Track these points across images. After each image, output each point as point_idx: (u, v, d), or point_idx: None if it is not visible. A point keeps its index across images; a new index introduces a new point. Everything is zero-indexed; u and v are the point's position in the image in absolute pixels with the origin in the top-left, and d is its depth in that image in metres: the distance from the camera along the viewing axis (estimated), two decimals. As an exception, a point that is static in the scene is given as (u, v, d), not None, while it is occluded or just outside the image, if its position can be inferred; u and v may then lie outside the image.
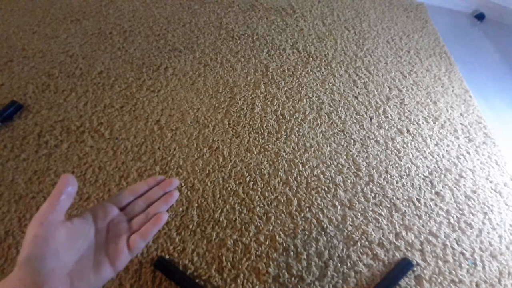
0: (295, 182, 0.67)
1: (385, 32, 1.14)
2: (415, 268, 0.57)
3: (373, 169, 0.72)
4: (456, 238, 0.62)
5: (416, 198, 0.68)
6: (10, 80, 0.81)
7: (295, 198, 0.65)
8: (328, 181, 0.68)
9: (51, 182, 0.63)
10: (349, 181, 0.69)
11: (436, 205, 0.67)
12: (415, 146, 0.78)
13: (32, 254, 0.25)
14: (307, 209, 0.63)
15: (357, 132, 0.79)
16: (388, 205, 0.66)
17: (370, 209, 0.65)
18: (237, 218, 0.61)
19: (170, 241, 0.57)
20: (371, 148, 0.76)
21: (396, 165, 0.73)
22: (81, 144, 0.70)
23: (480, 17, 1.34)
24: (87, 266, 0.29)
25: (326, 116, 0.82)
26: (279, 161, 0.71)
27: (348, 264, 0.57)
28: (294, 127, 0.78)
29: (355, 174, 0.70)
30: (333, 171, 0.70)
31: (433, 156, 0.76)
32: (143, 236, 0.33)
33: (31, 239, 0.26)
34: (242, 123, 0.77)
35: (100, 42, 0.95)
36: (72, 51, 0.91)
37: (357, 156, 0.74)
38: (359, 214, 0.64)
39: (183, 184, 0.65)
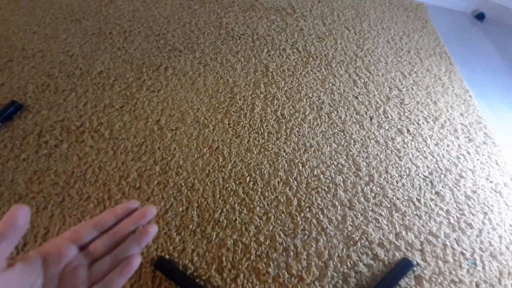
0: (295, 182, 0.67)
1: (385, 32, 1.14)
2: (415, 268, 0.57)
3: (373, 169, 0.72)
4: (456, 238, 0.62)
5: (416, 198, 0.68)
6: (10, 80, 0.81)
7: (295, 198, 0.65)
8: (328, 181, 0.68)
9: (51, 182, 0.63)
10: (349, 181, 0.69)
11: (436, 205, 0.67)
12: (415, 146, 0.78)
13: None
14: (307, 209, 0.63)
15: (357, 132, 0.79)
16: (388, 205, 0.66)
17: (370, 209, 0.65)
18: (237, 218, 0.61)
19: (170, 241, 0.57)
20: (371, 148, 0.76)
21: (396, 165, 0.73)
22: (81, 144, 0.70)
23: (480, 17, 1.34)
24: None
25: (326, 116, 0.82)
26: (279, 161, 0.71)
27: (348, 264, 0.57)
28: (294, 127, 0.78)
29: (355, 174, 0.70)
30: (333, 171, 0.70)
31: (433, 156, 0.76)
32: None
33: None
34: (242, 123, 0.77)
35: (100, 42, 0.95)
36: (72, 51, 0.91)
37: (357, 156, 0.74)
38: (359, 214, 0.64)
39: (183, 184, 0.65)
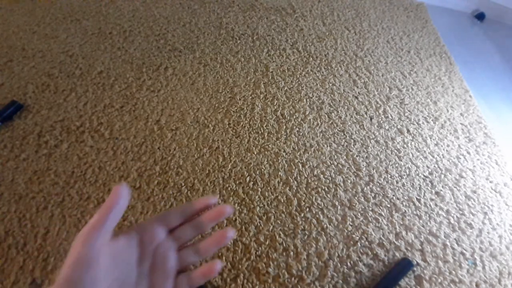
0: (295, 182, 0.67)
1: (385, 32, 1.14)
2: (415, 268, 0.57)
3: (373, 169, 0.72)
4: (456, 238, 0.62)
5: (416, 198, 0.68)
6: (10, 80, 0.81)
7: (295, 198, 0.65)
8: (328, 181, 0.68)
9: (51, 182, 0.63)
10: (349, 181, 0.69)
11: (436, 205, 0.67)
12: (415, 146, 0.78)
13: (70, 278, 0.21)
14: (307, 209, 0.63)
15: (357, 132, 0.79)
16: (388, 205, 0.66)
17: (370, 209, 0.65)
18: (237, 218, 0.61)
19: (170, 241, 0.57)
20: (371, 148, 0.76)
21: (396, 165, 0.73)
22: (81, 144, 0.70)
23: (480, 17, 1.34)
24: None
25: (326, 116, 0.82)
26: (279, 161, 0.71)
27: (348, 264, 0.57)
28: (294, 127, 0.78)
29: (355, 174, 0.70)
30: (333, 171, 0.70)
31: (433, 156, 0.76)
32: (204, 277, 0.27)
33: (72, 261, 0.22)
34: (242, 123, 0.77)
35: (100, 42, 0.95)
36: (72, 51, 0.91)
37: (357, 156, 0.74)
38: (359, 214, 0.64)
39: (183, 184, 0.65)
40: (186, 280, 0.27)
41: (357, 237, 0.60)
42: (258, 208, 0.62)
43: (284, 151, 0.73)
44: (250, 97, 0.84)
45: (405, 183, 0.70)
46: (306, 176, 0.69)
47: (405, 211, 0.65)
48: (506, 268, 0.59)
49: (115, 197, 0.24)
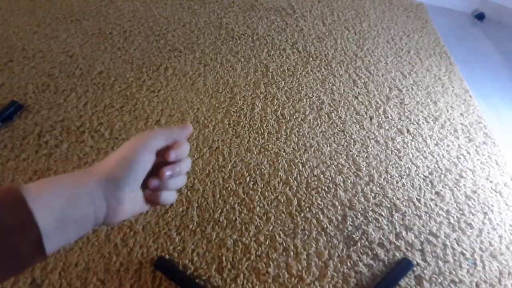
0: (295, 182, 0.67)
1: (385, 32, 1.14)
2: (415, 268, 0.57)
3: (373, 169, 0.72)
4: (456, 238, 0.62)
5: (416, 198, 0.68)
6: (10, 80, 0.81)
7: (295, 198, 0.65)
8: (328, 181, 0.68)
9: (51, 182, 0.63)
10: (349, 181, 0.69)
11: (436, 205, 0.67)
12: (415, 146, 0.78)
13: (120, 172, 0.25)
14: (307, 209, 0.63)
15: (357, 132, 0.79)
16: (388, 205, 0.66)
17: (370, 209, 0.65)
18: (237, 218, 0.61)
19: (170, 241, 0.57)
20: (371, 148, 0.76)
21: (396, 165, 0.73)
22: (81, 144, 0.70)
23: (480, 17, 1.34)
24: (140, 196, 0.29)
25: (326, 116, 0.82)
26: (279, 161, 0.71)
27: (348, 264, 0.57)
28: (294, 127, 0.78)
29: (355, 174, 0.70)
30: (333, 171, 0.70)
31: (433, 156, 0.76)
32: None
33: (131, 157, 0.25)
34: (242, 123, 0.77)
35: (100, 42, 0.95)
36: (72, 51, 0.92)
37: (357, 156, 0.74)
38: (359, 214, 0.64)
39: (183, 184, 0.65)
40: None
41: (357, 237, 0.60)
42: (258, 208, 0.62)
43: (284, 151, 0.73)
44: (250, 97, 0.84)
45: (405, 183, 0.70)
46: (306, 176, 0.69)
47: (405, 211, 0.65)
48: (506, 268, 0.59)
49: (182, 128, 0.30)
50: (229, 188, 0.65)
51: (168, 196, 0.30)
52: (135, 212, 0.28)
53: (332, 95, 0.87)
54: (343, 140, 0.77)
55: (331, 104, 0.85)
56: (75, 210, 0.22)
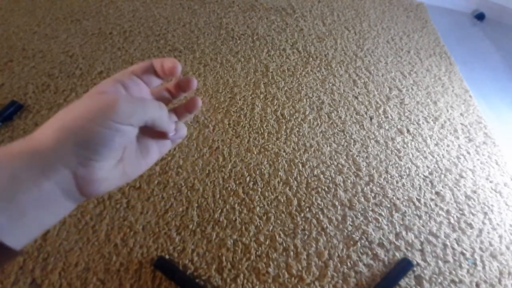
0: (295, 182, 0.67)
1: (385, 32, 1.14)
2: (415, 268, 0.57)
3: (373, 169, 0.72)
4: (456, 238, 0.62)
5: (416, 198, 0.68)
6: (10, 80, 0.81)
7: (295, 198, 0.65)
8: (328, 181, 0.68)
9: (51, 182, 0.63)
10: (349, 181, 0.69)
11: (436, 205, 0.67)
12: (415, 146, 0.78)
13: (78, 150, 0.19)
14: (307, 209, 0.63)
15: (357, 132, 0.79)
16: (388, 205, 0.66)
17: (370, 209, 0.65)
18: (237, 218, 0.61)
19: (170, 241, 0.57)
20: (371, 148, 0.76)
21: (396, 165, 0.73)
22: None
23: (480, 17, 1.34)
24: (133, 150, 0.23)
25: (326, 116, 0.82)
26: (279, 161, 0.71)
27: (348, 264, 0.57)
28: (294, 127, 0.78)
29: (355, 174, 0.70)
30: (333, 171, 0.70)
31: (433, 156, 0.76)
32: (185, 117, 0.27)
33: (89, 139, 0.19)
34: (242, 123, 0.77)
35: (100, 42, 0.95)
36: (72, 51, 0.92)
37: (357, 156, 0.74)
38: (359, 214, 0.64)
39: (183, 184, 0.65)
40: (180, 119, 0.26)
41: (357, 237, 0.60)
42: (258, 208, 0.62)
43: (284, 151, 0.73)
44: (250, 97, 0.84)
45: (405, 183, 0.70)
46: (306, 176, 0.69)
47: (405, 211, 0.65)
48: (506, 268, 0.59)
49: (167, 63, 0.23)
50: (229, 188, 0.65)
51: (181, 132, 0.25)
52: (131, 175, 0.23)
53: (332, 95, 0.87)
54: (343, 140, 0.77)
55: (331, 104, 0.85)
56: (23, 187, 0.17)
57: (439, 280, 0.56)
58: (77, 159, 0.19)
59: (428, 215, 0.65)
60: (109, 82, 0.22)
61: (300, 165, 0.70)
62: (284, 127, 0.78)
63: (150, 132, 0.24)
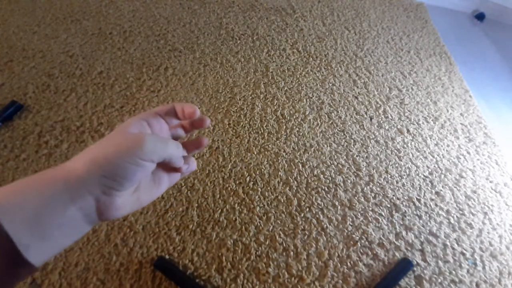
0: (295, 182, 0.67)
1: (385, 32, 1.14)
2: (415, 268, 0.57)
3: (373, 169, 0.72)
4: (456, 238, 0.62)
5: (416, 198, 0.68)
6: (10, 80, 0.81)
7: (295, 198, 0.65)
8: (328, 181, 0.68)
9: (51, 182, 0.63)
10: (349, 181, 0.69)
11: (436, 205, 0.67)
12: (415, 146, 0.78)
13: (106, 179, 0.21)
14: (307, 209, 0.63)
15: (357, 132, 0.79)
16: (388, 205, 0.66)
17: (370, 209, 0.65)
18: (237, 218, 0.61)
19: (170, 241, 0.57)
20: (371, 148, 0.76)
21: (396, 165, 0.73)
22: (81, 144, 0.70)
23: (480, 17, 1.34)
24: (148, 181, 0.26)
25: (326, 116, 0.82)
26: (279, 161, 0.71)
27: (348, 264, 0.57)
28: (294, 127, 0.78)
29: (355, 174, 0.70)
30: (333, 171, 0.70)
31: (433, 156, 0.76)
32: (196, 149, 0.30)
33: (118, 171, 0.21)
34: (242, 123, 0.77)
35: (100, 42, 0.95)
36: (72, 51, 0.92)
37: (357, 156, 0.74)
38: (359, 214, 0.64)
39: (183, 184, 0.65)
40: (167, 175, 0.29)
41: (357, 237, 0.60)
42: (258, 208, 0.62)
43: (284, 151, 0.73)
44: (250, 97, 0.84)
45: (405, 183, 0.70)
46: (306, 176, 0.69)
47: (405, 211, 0.65)
48: (506, 268, 0.59)
49: (186, 107, 0.27)
50: (229, 188, 0.65)
51: (192, 166, 0.28)
52: (143, 203, 0.26)
53: (332, 95, 0.87)
54: (343, 140, 0.77)
55: (331, 104, 0.85)
56: (52, 211, 0.19)
57: (439, 280, 0.56)
58: (101, 188, 0.21)
59: (428, 215, 0.65)
60: (136, 120, 0.25)
61: (300, 165, 0.70)
62: (284, 127, 0.78)
63: (164, 165, 0.27)
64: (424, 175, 0.72)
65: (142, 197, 0.25)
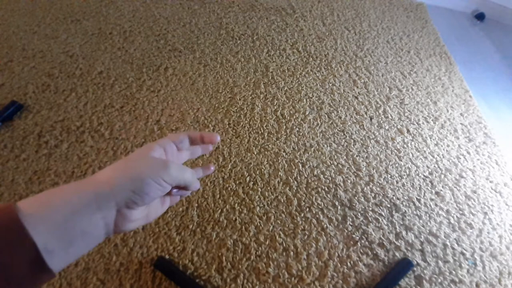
0: (295, 182, 0.67)
1: (385, 32, 1.14)
2: (415, 268, 0.57)
3: (373, 169, 0.72)
4: (456, 238, 0.62)
5: (416, 198, 0.68)
6: (10, 80, 0.81)
7: (295, 198, 0.65)
8: (328, 181, 0.68)
9: (51, 182, 0.63)
10: (349, 181, 0.69)
11: (436, 205, 0.67)
12: (415, 146, 0.78)
13: (128, 192, 0.24)
14: (307, 209, 0.63)
15: (357, 132, 0.79)
16: (388, 205, 0.66)
17: (370, 209, 0.65)
18: (237, 218, 0.61)
19: (170, 241, 0.57)
20: (371, 148, 0.76)
21: (396, 165, 0.73)
22: (81, 144, 0.70)
23: (480, 17, 1.34)
24: (158, 199, 0.30)
25: (326, 116, 0.82)
26: (279, 161, 0.71)
27: (348, 264, 0.57)
28: (294, 127, 0.78)
29: (355, 174, 0.70)
30: (333, 171, 0.70)
31: (433, 156, 0.76)
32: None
33: (140, 186, 0.24)
34: (242, 123, 0.77)
35: (100, 42, 0.95)
36: (72, 51, 0.92)
37: (357, 156, 0.74)
38: (359, 214, 0.64)
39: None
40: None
41: (357, 237, 0.60)
42: (258, 208, 0.62)
43: (284, 151, 0.73)
44: (250, 97, 0.84)
45: (405, 183, 0.70)
46: (306, 176, 0.69)
47: (405, 211, 0.65)
48: (506, 268, 0.59)
49: (208, 136, 0.33)
50: (229, 188, 0.65)
51: (197, 188, 0.32)
52: (150, 219, 0.29)
53: (332, 95, 0.87)
54: (343, 140, 0.77)
55: (331, 104, 0.85)
56: (80, 219, 0.21)
57: (439, 280, 0.56)
58: (126, 201, 0.24)
59: (428, 215, 0.65)
60: (156, 146, 0.29)
61: (300, 165, 0.70)
62: (284, 127, 0.78)
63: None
64: (424, 175, 0.72)
65: (150, 213, 0.29)
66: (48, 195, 0.21)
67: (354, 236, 0.61)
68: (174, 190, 0.29)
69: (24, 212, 0.19)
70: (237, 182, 0.66)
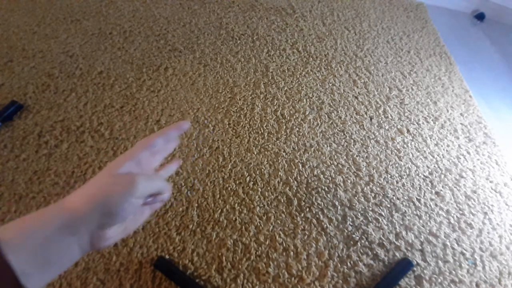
0: (295, 182, 0.67)
1: (385, 32, 1.14)
2: (415, 268, 0.57)
3: (373, 169, 0.72)
4: (456, 238, 0.62)
5: (416, 198, 0.68)
6: (10, 80, 0.81)
7: (295, 198, 0.65)
8: (328, 181, 0.68)
9: (51, 182, 0.63)
10: (349, 181, 0.69)
11: (436, 205, 0.67)
12: (415, 146, 0.78)
13: (99, 219, 0.25)
14: (307, 209, 0.63)
15: (357, 132, 0.79)
16: (388, 205, 0.66)
17: (370, 209, 0.65)
18: (237, 218, 0.61)
19: (170, 241, 0.57)
20: (371, 148, 0.76)
21: (396, 165, 0.73)
22: (81, 144, 0.70)
23: (480, 17, 1.34)
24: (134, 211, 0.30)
25: (326, 116, 0.82)
26: (279, 161, 0.71)
27: (348, 264, 0.57)
28: (294, 127, 0.78)
29: (355, 174, 0.70)
30: (333, 171, 0.70)
31: (433, 156, 0.76)
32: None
33: (111, 208, 0.25)
34: (242, 123, 0.77)
35: (100, 42, 0.95)
36: (72, 51, 0.92)
37: (357, 156, 0.74)
38: (359, 214, 0.64)
39: (183, 184, 0.65)
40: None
41: (357, 237, 0.60)
42: (258, 208, 0.62)
43: (284, 151, 0.73)
44: (250, 97, 0.84)
45: (405, 183, 0.70)
46: (306, 176, 0.69)
47: (405, 211, 0.65)
48: (506, 268, 0.59)
49: (172, 127, 0.32)
50: (229, 188, 0.65)
51: (165, 196, 0.31)
52: (129, 231, 0.29)
53: (332, 95, 0.87)
54: (343, 140, 0.77)
55: (331, 104, 0.85)
56: (55, 245, 0.22)
57: (439, 280, 0.56)
58: (97, 224, 0.24)
59: (428, 215, 0.65)
60: (124, 161, 0.29)
61: (300, 165, 0.70)
62: (284, 127, 0.78)
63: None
64: (424, 175, 0.72)
65: (129, 226, 0.29)
66: (24, 223, 0.23)
67: (354, 236, 0.61)
68: (149, 199, 0.29)
69: (3, 242, 0.20)
70: (237, 182, 0.66)
